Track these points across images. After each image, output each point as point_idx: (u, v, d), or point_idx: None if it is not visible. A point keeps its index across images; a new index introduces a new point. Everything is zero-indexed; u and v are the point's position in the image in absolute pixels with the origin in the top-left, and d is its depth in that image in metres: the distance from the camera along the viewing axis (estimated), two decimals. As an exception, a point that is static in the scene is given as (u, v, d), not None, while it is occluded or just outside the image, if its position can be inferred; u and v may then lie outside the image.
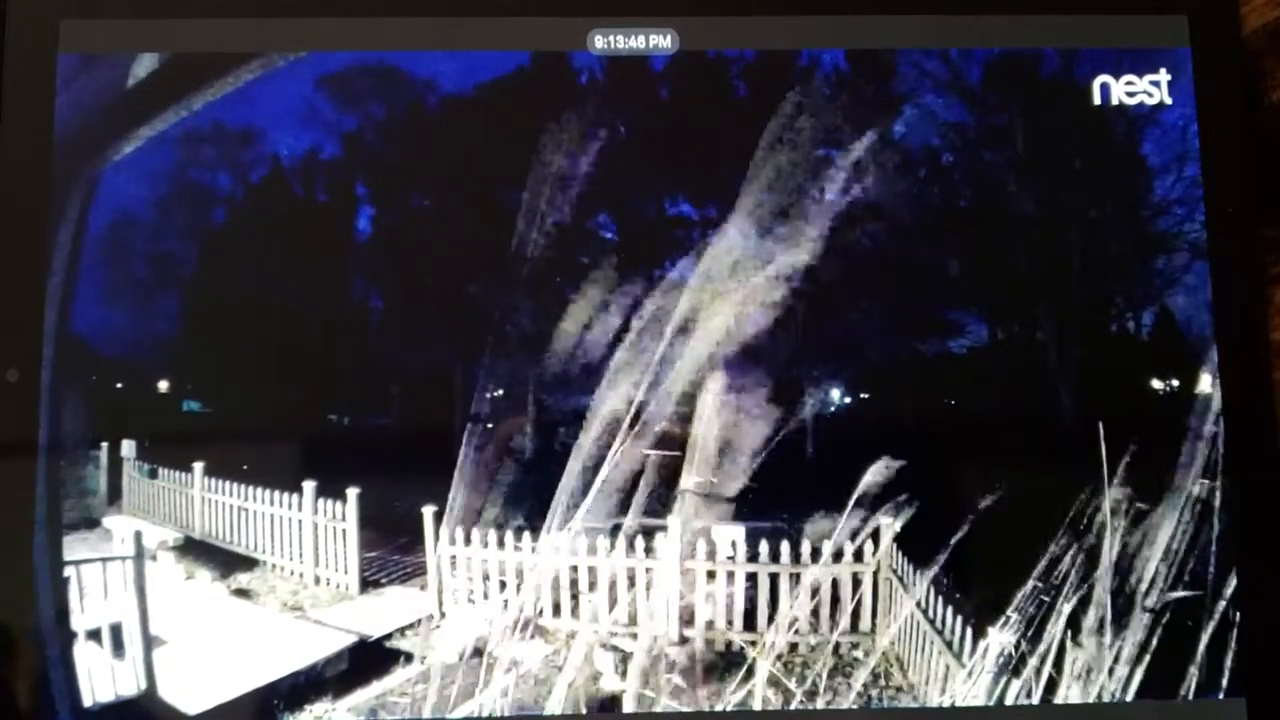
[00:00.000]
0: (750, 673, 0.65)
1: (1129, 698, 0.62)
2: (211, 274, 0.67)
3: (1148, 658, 0.62)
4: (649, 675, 0.65)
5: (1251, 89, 0.68)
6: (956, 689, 0.64)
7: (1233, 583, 0.62)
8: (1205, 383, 0.64)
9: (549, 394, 0.66)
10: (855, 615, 0.68)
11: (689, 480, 0.65)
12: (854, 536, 0.66)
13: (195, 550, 0.73)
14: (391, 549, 0.70)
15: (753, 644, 0.67)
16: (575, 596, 0.70)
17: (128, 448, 0.65)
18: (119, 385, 0.64)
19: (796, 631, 0.67)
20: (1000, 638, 0.63)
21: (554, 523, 0.67)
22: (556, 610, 0.69)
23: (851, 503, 0.64)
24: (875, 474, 0.63)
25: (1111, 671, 0.62)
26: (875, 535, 0.66)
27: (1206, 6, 0.68)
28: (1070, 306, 0.67)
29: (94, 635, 0.64)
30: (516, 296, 0.66)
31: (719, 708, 0.64)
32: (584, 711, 0.64)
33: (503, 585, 0.69)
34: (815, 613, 0.68)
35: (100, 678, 0.63)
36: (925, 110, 0.69)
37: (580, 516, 0.66)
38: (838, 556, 0.67)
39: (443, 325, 0.66)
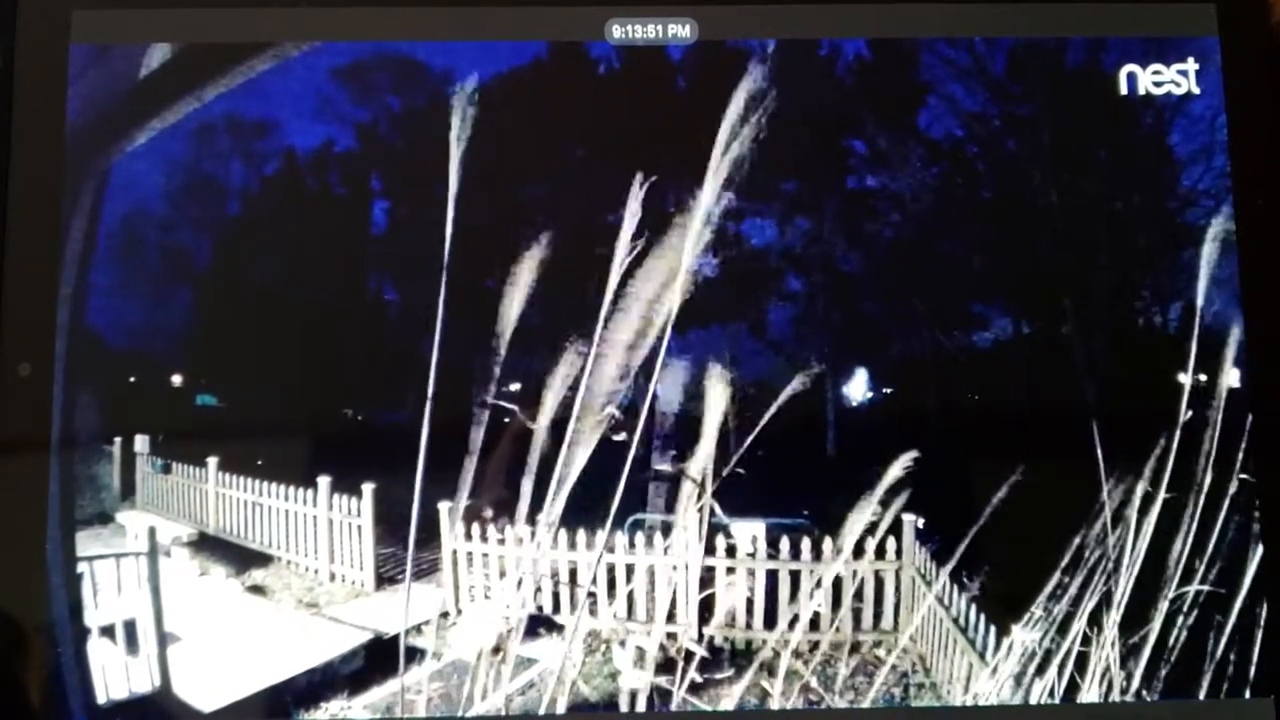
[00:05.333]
0: (770, 671, 0.65)
1: (1155, 697, 0.61)
2: (225, 267, 0.66)
3: (1174, 656, 0.62)
4: (667, 672, 0.64)
5: (1281, 78, 0.67)
6: (980, 688, 0.63)
7: (1260, 579, 0.61)
8: (1233, 376, 0.64)
9: (567, 389, 0.65)
10: (878, 613, 0.68)
11: (707, 476, 0.65)
12: (876, 533, 0.65)
13: (209, 546, 0.73)
14: (406, 545, 0.70)
15: (774, 642, 0.66)
16: (592, 593, 0.69)
17: (141, 443, 0.65)
18: (132, 379, 0.64)
19: (818, 629, 0.67)
20: (1024, 635, 0.62)
21: (573, 518, 0.66)
22: (573, 607, 0.69)
23: (874, 499, 0.64)
24: (899, 469, 0.62)
25: (1137, 670, 0.62)
26: (898, 532, 0.66)
27: (1234, -6, 0.67)
28: (1096, 299, 0.67)
29: (107, 632, 0.63)
30: (535, 289, 0.65)
31: (737, 706, 0.64)
32: (597, 710, 0.63)
33: (519, 582, 0.69)
34: (837, 610, 0.67)
35: (114, 675, 0.62)
36: (948, 100, 0.68)
37: (603, 512, 0.66)
38: (859, 553, 0.66)
39: (459, 318, 0.65)
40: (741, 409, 0.65)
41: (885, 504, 0.64)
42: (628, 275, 0.65)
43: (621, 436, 0.65)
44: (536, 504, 0.66)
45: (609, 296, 0.65)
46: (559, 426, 0.65)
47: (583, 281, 0.65)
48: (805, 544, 0.68)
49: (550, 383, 0.65)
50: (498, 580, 0.68)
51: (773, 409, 0.64)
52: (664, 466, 0.65)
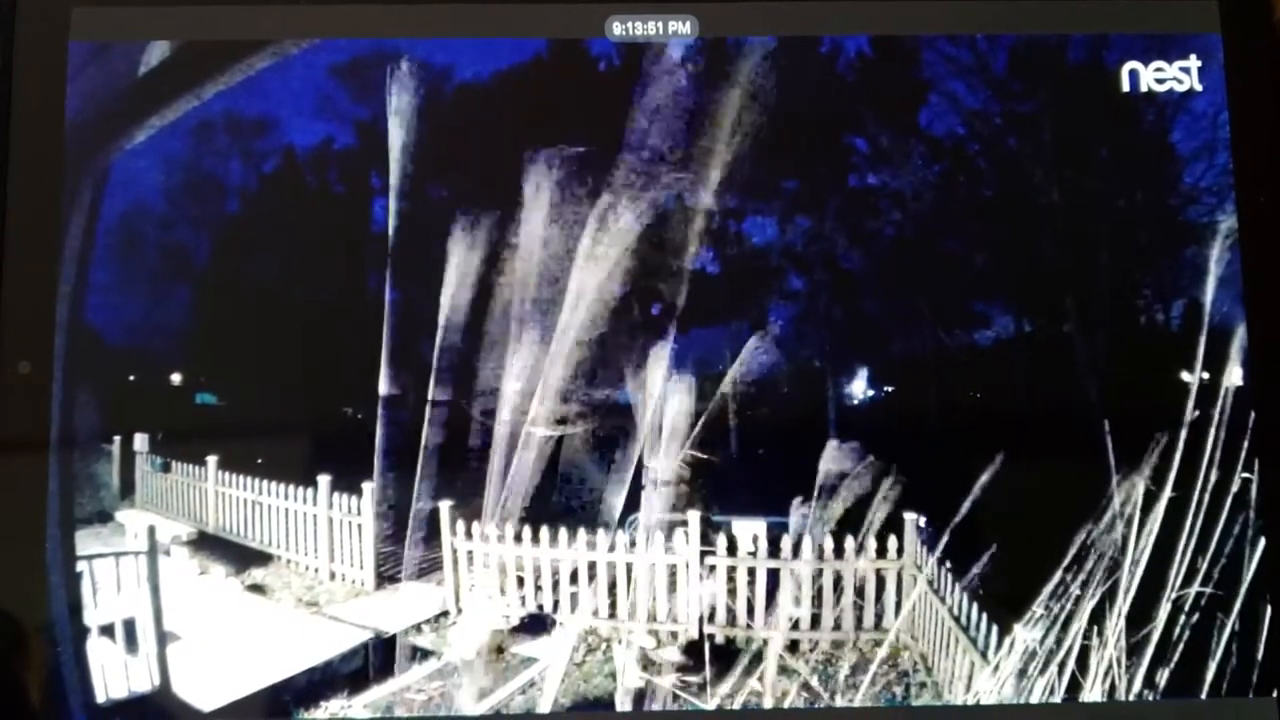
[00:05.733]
0: (770, 669, 0.64)
1: (1157, 696, 0.61)
2: (225, 265, 0.66)
3: (1176, 655, 0.61)
4: (667, 671, 0.64)
5: (1283, 75, 0.67)
6: (981, 687, 0.63)
7: (1263, 578, 0.61)
8: (1236, 374, 0.63)
9: (568, 387, 0.65)
10: (878, 612, 0.67)
11: (708, 474, 0.65)
12: (877, 532, 0.65)
13: (209, 545, 0.72)
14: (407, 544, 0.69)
15: (774, 640, 0.66)
16: (593, 592, 0.69)
17: (140, 441, 0.64)
18: (131, 378, 0.64)
19: (817, 628, 0.66)
20: (1025, 634, 0.62)
21: (573, 518, 0.66)
22: (574, 606, 0.69)
23: (875, 497, 0.63)
24: (832, 461, 0.62)
25: (1139, 669, 0.62)
26: (900, 530, 0.66)
27: (1237, -9, 0.67)
28: (1098, 297, 0.66)
29: (107, 631, 0.63)
30: (534, 287, 0.65)
31: (737, 705, 0.63)
32: (598, 709, 0.63)
33: (520, 581, 0.69)
34: (837, 609, 0.67)
35: (113, 674, 0.62)
36: (950, 97, 0.68)
37: (602, 512, 0.66)
38: (860, 552, 0.66)
39: (459, 317, 0.65)
40: (742, 407, 0.64)
41: (886, 502, 0.64)
42: (627, 274, 0.65)
43: (622, 435, 0.65)
44: (536, 503, 0.66)
45: (609, 295, 0.65)
46: (558, 426, 0.65)
47: (584, 280, 0.65)
48: (806, 542, 0.68)
49: (551, 382, 0.65)
50: (498, 579, 0.68)
51: (773, 408, 0.64)
52: (664, 465, 0.65)
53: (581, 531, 0.68)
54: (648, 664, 0.64)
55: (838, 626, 0.67)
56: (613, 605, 0.68)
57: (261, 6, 0.65)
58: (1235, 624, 0.61)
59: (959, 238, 0.68)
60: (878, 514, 0.64)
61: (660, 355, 0.65)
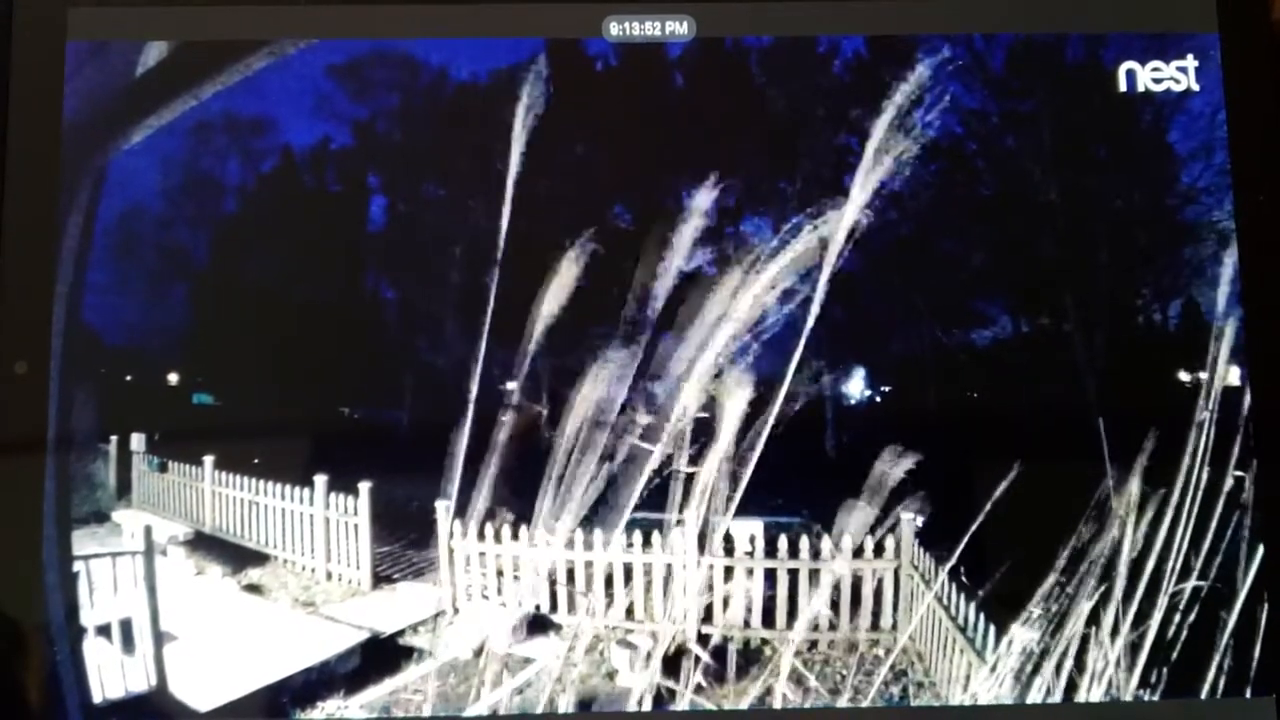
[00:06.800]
0: (770, 670, 0.64)
1: (1155, 696, 0.61)
2: (222, 265, 0.66)
3: (1173, 654, 0.61)
4: (666, 672, 0.64)
5: (1281, 75, 0.67)
6: (979, 687, 0.63)
7: (1261, 577, 0.61)
8: (1234, 374, 0.63)
9: (564, 386, 0.65)
10: (876, 612, 0.67)
11: (707, 474, 0.64)
12: (875, 532, 0.65)
13: (206, 545, 0.72)
14: (404, 544, 0.69)
15: (773, 641, 0.66)
16: (590, 592, 0.69)
17: (137, 441, 0.64)
18: (128, 377, 0.64)
19: (816, 629, 0.66)
20: (1023, 634, 0.62)
21: (570, 518, 0.66)
22: (571, 606, 0.69)
23: (873, 497, 0.63)
24: (884, 463, 0.62)
25: (1136, 669, 0.61)
26: (898, 530, 0.65)
27: (1234, -10, 0.67)
28: (1096, 297, 0.66)
29: (103, 631, 0.63)
30: (531, 287, 0.65)
31: (737, 706, 0.63)
32: (598, 710, 0.63)
33: (517, 581, 0.68)
34: (836, 609, 0.67)
35: (110, 674, 0.62)
36: (947, 97, 0.68)
37: (596, 512, 0.66)
38: (858, 552, 0.66)
39: (456, 317, 0.65)
40: (740, 407, 0.64)
41: (884, 502, 0.64)
42: (627, 272, 0.65)
43: (622, 436, 0.65)
44: (535, 503, 0.66)
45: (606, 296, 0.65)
46: (562, 428, 0.65)
47: (581, 279, 0.65)
48: (804, 542, 0.68)
49: (550, 385, 0.65)
50: (495, 579, 0.68)
51: (772, 407, 0.64)
52: (664, 465, 0.65)
53: (579, 533, 0.68)
54: (660, 659, 0.64)
55: (834, 627, 0.67)
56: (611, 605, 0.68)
57: (259, 6, 0.65)
58: (1234, 623, 0.61)
59: (957, 237, 0.68)
60: (874, 514, 0.64)
61: (656, 357, 0.65)
